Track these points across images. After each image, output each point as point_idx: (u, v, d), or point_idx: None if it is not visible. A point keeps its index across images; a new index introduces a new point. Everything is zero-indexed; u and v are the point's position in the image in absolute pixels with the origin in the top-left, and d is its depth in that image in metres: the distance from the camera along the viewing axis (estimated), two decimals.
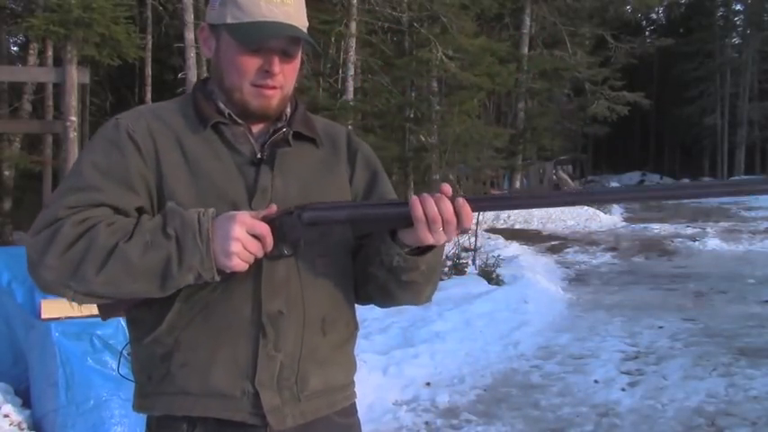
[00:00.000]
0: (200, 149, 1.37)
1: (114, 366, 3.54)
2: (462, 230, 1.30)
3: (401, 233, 1.33)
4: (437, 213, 1.26)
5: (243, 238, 1.25)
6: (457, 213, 1.27)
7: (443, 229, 1.27)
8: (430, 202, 1.26)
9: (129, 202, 1.32)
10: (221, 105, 1.41)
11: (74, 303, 1.32)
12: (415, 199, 1.27)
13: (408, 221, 1.28)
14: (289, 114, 1.47)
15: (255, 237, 1.27)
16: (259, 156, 1.39)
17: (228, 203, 1.34)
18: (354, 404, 1.54)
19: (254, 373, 1.34)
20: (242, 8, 1.34)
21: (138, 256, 1.23)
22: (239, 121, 1.41)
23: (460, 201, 1.27)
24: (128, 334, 1.46)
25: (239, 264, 1.26)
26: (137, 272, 1.24)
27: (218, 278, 1.27)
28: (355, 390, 1.54)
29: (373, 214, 1.31)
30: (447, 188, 1.29)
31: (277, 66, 1.36)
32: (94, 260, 1.23)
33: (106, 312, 1.41)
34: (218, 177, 1.35)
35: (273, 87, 1.38)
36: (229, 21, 1.36)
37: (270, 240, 1.29)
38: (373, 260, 1.40)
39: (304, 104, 1.53)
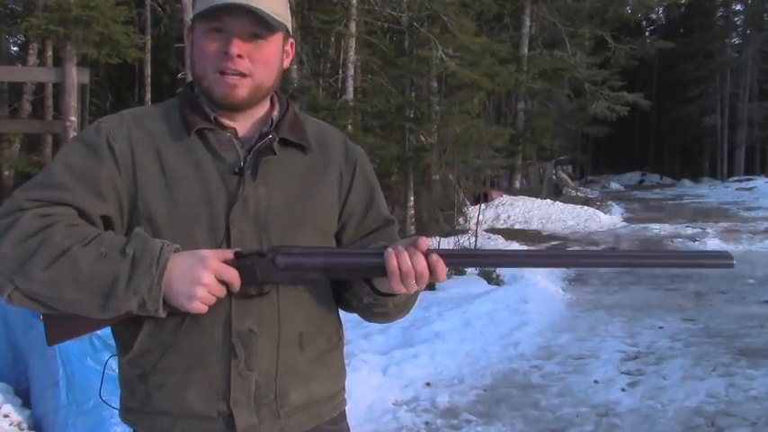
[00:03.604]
0: (179, 160, 1.35)
1: (115, 366, 3.54)
2: (435, 282, 1.32)
3: (374, 280, 1.35)
4: (411, 267, 1.26)
5: (210, 283, 1.25)
6: (431, 268, 1.27)
7: (416, 281, 1.28)
8: (404, 256, 1.26)
9: (95, 208, 1.30)
10: (207, 109, 1.38)
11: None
12: (390, 252, 1.27)
13: (382, 272, 1.28)
14: (276, 119, 1.44)
15: (222, 281, 1.26)
16: (242, 164, 1.36)
17: (206, 218, 1.33)
18: (344, 412, 1.54)
19: (228, 393, 1.34)
20: None
21: (88, 264, 1.21)
22: (225, 123, 1.39)
23: (434, 257, 1.27)
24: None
25: (199, 307, 1.26)
26: (82, 280, 1.21)
27: (162, 314, 1.25)
28: (345, 398, 1.54)
29: (348, 263, 1.31)
30: (423, 243, 1.28)
31: (236, 46, 1.32)
32: (44, 257, 1.20)
33: (53, 334, 1.35)
34: (196, 190, 1.33)
35: (237, 74, 1.34)
36: (197, 9, 1.36)
37: (237, 285, 1.28)
38: (347, 289, 1.43)
39: (295, 108, 1.50)
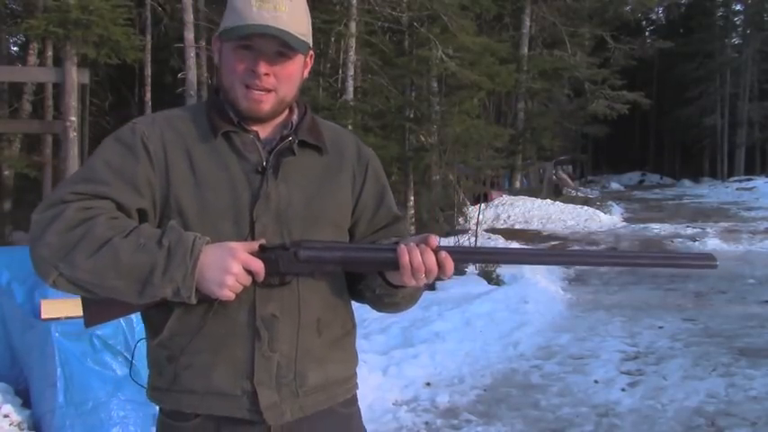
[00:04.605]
0: (207, 160, 1.46)
1: (114, 367, 3.54)
2: (443, 278, 1.43)
3: (387, 273, 1.47)
4: (421, 263, 1.38)
5: (238, 273, 1.36)
6: (440, 265, 1.39)
7: (425, 276, 1.39)
8: (415, 252, 1.38)
9: (132, 202, 1.40)
10: (231, 114, 1.48)
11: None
12: (402, 249, 1.39)
13: (395, 266, 1.40)
14: (295, 122, 1.54)
15: (249, 271, 1.37)
16: (264, 164, 1.47)
17: (232, 212, 1.44)
18: (356, 395, 1.65)
19: (252, 373, 1.43)
20: (237, 13, 1.43)
21: (128, 254, 1.32)
22: (248, 128, 1.49)
23: (443, 254, 1.39)
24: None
25: (229, 295, 1.37)
26: (122, 268, 1.31)
27: (194, 300, 1.36)
28: (357, 382, 1.65)
29: (364, 258, 1.43)
30: (433, 240, 1.40)
31: (263, 66, 1.42)
32: (88, 247, 1.31)
33: (92, 316, 1.46)
34: (224, 188, 1.44)
35: (264, 90, 1.44)
36: (227, 25, 1.45)
37: (262, 275, 1.39)
38: (359, 281, 1.56)
39: (312, 112, 1.60)
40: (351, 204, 1.57)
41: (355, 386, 1.64)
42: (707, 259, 1.46)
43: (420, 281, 1.40)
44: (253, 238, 1.43)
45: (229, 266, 1.34)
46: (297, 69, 1.49)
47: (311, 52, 1.54)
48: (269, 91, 1.45)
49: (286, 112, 1.55)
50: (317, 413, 1.51)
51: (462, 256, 1.50)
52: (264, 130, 1.51)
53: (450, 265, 1.40)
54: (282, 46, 1.43)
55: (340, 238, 1.53)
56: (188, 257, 1.33)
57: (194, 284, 1.33)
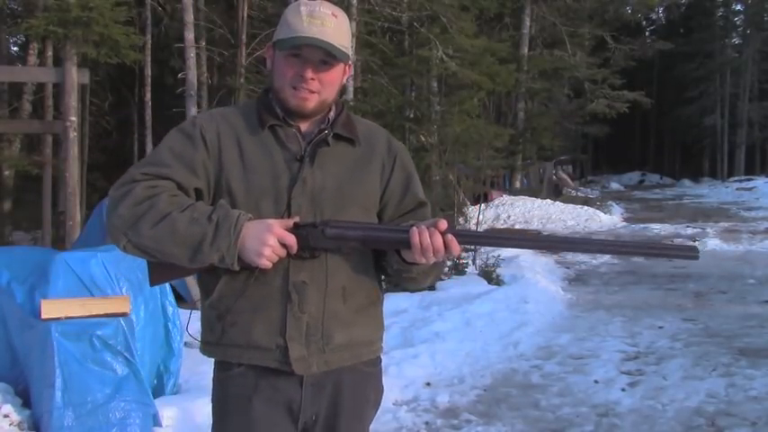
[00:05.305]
0: (255, 149, 1.71)
1: (114, 368, 3.53)
2: (450, 257, 1.65)
3: (402, 251, 1.67)
4: (429, 243, 1.59)
5: (274, 245, 1.60)
6: (446, 245, 1.60)
7: (433, 255, 1.60)
8: (425, 234, 1.59)
9: (190, 182, 1.67)
10: (278, 110, 1.74)
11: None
12: (414, 230, 1.60)
13: (407, 245, 1.61)
14: (332, 118, 1.78)
15: (283, 245, 1.61)
16: (303, 153, 1.71)
17: (272, 193, 1.68)
18: (379, 357, 1.87)
19: (284, 330, 1.68)
20: (290, 26, 1.69)
21: (184, 226, 1.57)
22: (291, 123, 1.73)
23: (449, 236, 1.60)
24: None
25: (266, 263, 1.61)
26: (178, 237, 1.57)
27: (236, 267, 1.60)
28: (382, 346, 1.86)
29: (381, 237, 1.65)
30: (443, 224, 1.61)
31: (310, 72, 1.68)
32: (151, 218, 1.57)
33: (155, 276, 1.73)
34: (267, 172, 1.69)
35: (309, 91, 1.69)
36: (280, 36, 1.71)
37: (295, 248, 1.62)
38: (382, 258, 1.77)
39: (347, 110, 1.85)
40: (378, 191, 1.79)
41: (380, 349, 1.85)
42: (690, 251, 1.59)
43: (429, 259, 1.61)
44: (289, 216, 1.66)
45: (266, 239, 1.58)
46: (338, 76, 1.73)
47: (350, 62, 1.77)
48: (313, 92, 1.69)
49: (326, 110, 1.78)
50: (341, 368, 1.74)
51: (468, 239, 1.71)
52: (305, 125, 1.75)
53: (455, 245, 1.60)
54: (326, 55, 1.67)
55: (367, 219, 1.74)
56: (232, 231, 1.57)
57: (236, 253, 1.58)
